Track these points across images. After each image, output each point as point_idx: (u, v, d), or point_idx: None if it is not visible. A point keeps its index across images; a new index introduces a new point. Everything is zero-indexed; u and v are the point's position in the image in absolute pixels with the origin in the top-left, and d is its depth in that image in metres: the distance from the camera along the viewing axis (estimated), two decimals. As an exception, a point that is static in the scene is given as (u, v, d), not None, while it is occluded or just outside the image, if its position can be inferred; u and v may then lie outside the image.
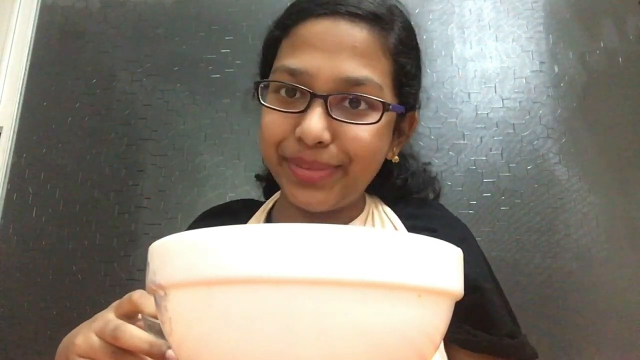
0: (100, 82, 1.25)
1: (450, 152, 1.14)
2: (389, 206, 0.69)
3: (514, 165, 1.12)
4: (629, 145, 1.12)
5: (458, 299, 0.36)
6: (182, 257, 0.31)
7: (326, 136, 0.56)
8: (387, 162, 0.67)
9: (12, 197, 1.19)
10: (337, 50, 0.56)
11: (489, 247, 1.07)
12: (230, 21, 1.26)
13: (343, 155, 0.57)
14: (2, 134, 1.22)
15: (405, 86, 0.62)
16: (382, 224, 0.66)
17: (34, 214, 1.17)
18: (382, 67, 0.58)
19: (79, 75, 1.26)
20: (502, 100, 1.17)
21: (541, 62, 1.18)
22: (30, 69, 1.28)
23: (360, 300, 0.30)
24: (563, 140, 1.13)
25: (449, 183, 1.12)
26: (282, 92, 0.59)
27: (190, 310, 0.32)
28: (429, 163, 0.80)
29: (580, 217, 1.08)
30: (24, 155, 1.22)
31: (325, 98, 0.55)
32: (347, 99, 0.56)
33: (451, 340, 0.60)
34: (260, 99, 0.60)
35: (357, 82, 0.56)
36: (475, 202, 1.10)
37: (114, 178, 1.19)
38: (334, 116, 0.55)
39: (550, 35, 1.20)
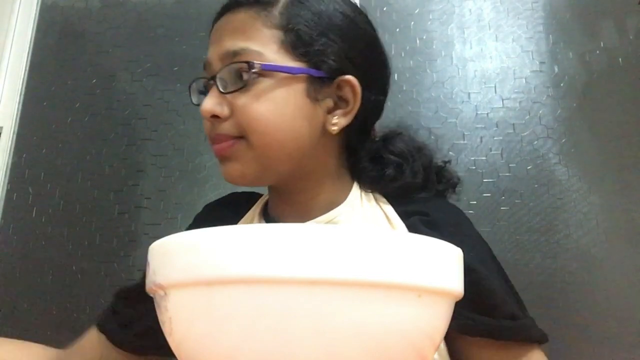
0: (100, 82, 1.26)
1: (450, 152, 1.14)
2: (390, 204, 0.67)
3: (514, 165, 1.12)
4: (629, 145, 1.12)
5: (458, 299, 0.36)
6: (182, 257, 0.31)
7: (219, 110, 0.61)
8: (368, 142, 0.68)
9: (12, 197, 1.19)
10: (220, 35, 0.64)
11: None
12: (230, 21, 1.26)
13: (238, 126, 0.61)
14: (2, 134, 1.22)
15: (307, 47, 0.62)
16: (374, 217, 0.64)
17: (34, 214, 1.17)
18: (265, 38, 0.61)
19: (79, 75, 1.26)
20: (502, 100, 1.17)
21: (541, 62, 1.18)
22: (30, 69, 1.28)
23: (360, 300, 0.30)
24: (563, 140, 1.13)
25: (449, 183, 1.12)
26: (203, 88, 0.67)
27: (190, 310, 0.32)
28: (449, 161, 0.75)
29: (580, 217, 1.08)
30: (24, 155, 1.22)
31: (213, 78, 0.62)
32: (232, 71, 0.61)
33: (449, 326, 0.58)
34: (192, 99, 0.69)
35: (234, 54, 0.61)
36: (475, 202, 1.10)
37: (114, 178, 1.19)
38: (221, 91, 0.61)
39: (550, 35, 1.20)
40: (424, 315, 0.32)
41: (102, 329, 0.70)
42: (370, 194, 0.68)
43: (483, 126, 1.15)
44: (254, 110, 0.60)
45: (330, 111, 0.64)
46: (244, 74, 0.60)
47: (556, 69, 1.18)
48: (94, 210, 1.17)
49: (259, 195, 0.77)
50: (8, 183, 1.20)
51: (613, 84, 1.16)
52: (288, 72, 0.61)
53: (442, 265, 0.33)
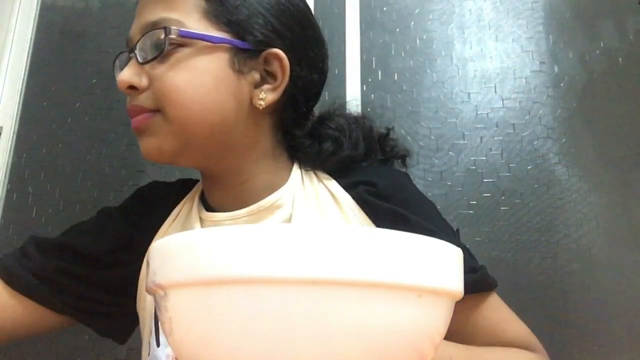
0: (100, 82, 1.25)
1: (450, 152, 1.14)
2: (334, 179, 0.65)
3: (514, 165, 1.12)
4: (629, 145, 1.12)
5: (458, 299, 0.36)
6: (182, 257, 0.31)
7: (137, 80, 0.58)
8: (303, 121, 0.66)
9: (12, 197, 1.19)
10: (142, 8, 0.61)
11: (489, 247, 1.07)
12: (230, 21, 1.26)
13: (155, 98, 0.58)
14: (2, 134, 1.22)
15: (230, 16, 0.60)
16: (317, 197, 0.62)
17: (34, 214, 1.17)
18: (187, 7, 0.59)
19: (79, 75, 1.26)
20: (502, 100, 1.17)
21: (541, 62, 1.19)
22: (30, 69, 1.28)
23: (360, 300, 0.30)
24: (563, 140, 1.13)
25: (449, 183, 1.12)
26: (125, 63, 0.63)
27: (190, 310, 0.32)
28: (392, 128, 0.73)
29: (580, 217, 1.08)
30: (24, 155, 1.22)
31: (132, 50, 0.59)
32: (150, 42, 0.58)
33: None
34: (115, 75, 0.64)
35: (153, 24, 0.58)
36: (475, 202, 1.10)
37: (114, 178, 1.19)
38: (140, 61, 0.58)
39: (550, 35, 1.20)
40: (424, 315, 0.32)
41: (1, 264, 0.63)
42: (312, 172, 0.65)
43: (483, 126, 1.15)
44: (169, 79, 0.57)
45: (257, 85, 0.61)
46: (162, 42, 0.57)
47: (556, 69, 1.18)
48: (94, 210, 1.16)
49: (192, 182, 0.74)
50: (8, 183, 1.20)
51: (613, 84, 1.16)
52: (208, 41, 0.58)
53: (442, 265, 0.33)
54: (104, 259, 0.65)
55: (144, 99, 0.58)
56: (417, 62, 1.21)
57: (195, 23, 0.59)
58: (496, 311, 0.60)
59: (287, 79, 0.61)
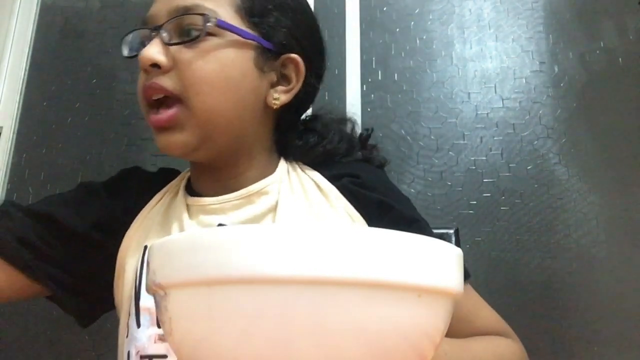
0: (100, 82, 1.26)
1: (450, 152, 1.14)
2: (317, 171, 0.66)
3: (514, 165, 1.12)
4: (629, 145, 1.12)
5: (458, 299, 0.36)
6: (182, 257, 0.31)
7: (161, 58, 0.57)
8: (299, 120, 0.69)
9: (12, 197, 1.19)
10: None
11: (489, 247, 1.07)
12: (230, 21, 1.26)
13: (179, 81, 0.58)
14: (2, 134, 1.22)
15: (260, 17, 0.61)
16: (302, 186, 0.64)
17: (34, 214, 1.17)
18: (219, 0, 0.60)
19: (79, 75, 1.27)
20: (502, 100, 1.17)
21: (541, 62, 1.19)
22: (30, 69, 1.28)
23: (360, 300, 0.29)
24: (563, 140, 1.13)
25: (449, 183, 1.12)
26: (139, 44, 0.62)
27: (190, 310, 0.32)
28: (372, 130, 0.76)
29: (580, 217, 1.08)
30: (24, 155, 1.22)
31: (157, 28, 0.58)
32: (181, 25, 0.58)
33: None
34: (123, 53, 0.64)
35: (186, 8, 0.58)
36: (475, 202, 1.10)
37: (114, 178, 1.19)
38: (166, 42, 0.58)
39: (550, 35, 1.20)
40: (424, 315, 0.32)
41: None
42: (296, 165, 0.67)
43: (483, 126, 1.15)
44: (199, 67, 0.57)
45: (272, 86, 0.63)
46: (193, 29, 0.57)
47: (556, 69, 1.18)
48: (94, 210, 1.17)
49: (174, 172, 0.75)
50: (8, 183, 1.20)
51: (613, 84, 1.16)
52: (240, 35, 0.59)
53: (442, 265, 0.33)
54: (82, 235, 0.63)
55: (166, 80, 0.58)
56: (417, 62, 1.21)
57: (228, 16, 0.59)
58: (469, 299, 0.61)
59: (300, 83, 0.64)
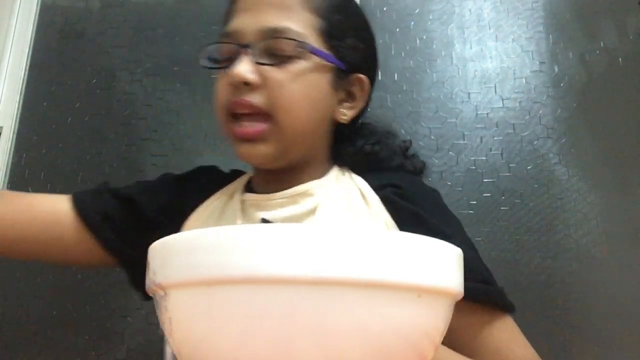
0: (100, 82, 1.26)
1: (450, 152, 1.14)
2: (365, 179, 0.69)
3: (514, 165, 1.12)
4: (629, 145, 1.12)
5: (458, 299, 0.36)
6: (182, 257, 0.31)
7: (251, 77, 0.61)
8: (352, 130, 0.72)
9: (12, 197, 1.19)
10: (258, 6, 0.64)
11: (489, 247, 1.07)
12: (230, 21, 1.26)
13: (270, 101, 0.61)
14: (2, 134, 1.22)
15: (339, 40, 0.66)
16: (347, 193, 0.67)
17: (34, 214, 1.17)
18: (305, 21, 0.64)
19: (79, 75, 1.26)
20: (502, 100, 1.17)
21: (541, 62, 1.18)
22: (30, 69, 1.28)
23: (360, 300, 0.30)
24: (563, 140, 1.13)
25: (449, 183, 1.12)
26: (218, 56, 0.66)
27: (190, 310, 0.32)
28: (408, 141, 0.80)
29: (580, 217, 1.08)
30: (24, 155, 1.22)
31: (248, 45, 0.62)
32: (271, 47, 0.62)
33: None
34: (201, 64, 0.68)
35: (276, 31, 0.62)
36: (475, 202, 1.10)
37: (114, 178, 1.18)
38: (258, 62, 0.61)
39: (550, 35, 1.20)
40: (424, 315, 0.32)
41: (76, 197, 0.71)
42: (346, 171, 0.71)
43: (483, 126, 1.15)
44: (290, 88, 0.61)
45: (340, 102, 0.68)
46: (285, 51, 0.61)
47: (556, 69, 1.18)
48: (94, 210, 1.17)
49: (239, 173, 0.79)
50: (8, 183, 1.20)
51: (613, 84, 1.16)
52: (326, 60, 0.64)
53: (442, 265, 0.33)
54: (150, 217, 0.71)
55: (255, 97, 0.61)
56: (417, 62, 1.21)
57: (312, 39, 0.64)
58: (507, 332, 0.61)
59: (364, 101, 0.70)
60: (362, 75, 0.69)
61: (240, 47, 0.62)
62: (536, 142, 1.13)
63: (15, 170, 1.21)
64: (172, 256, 0.32)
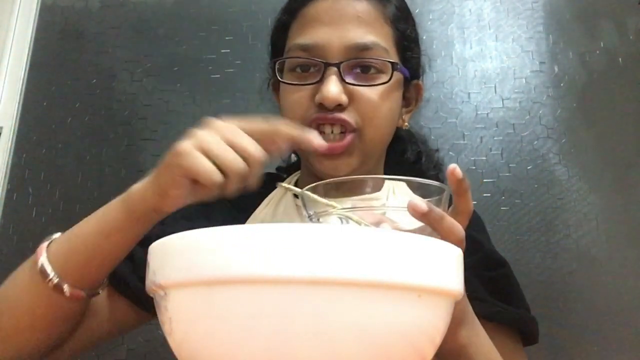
0: (100, 82, 1.25)
1: (450, 152, 1.14)
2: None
3: (514, 165, 1.12)
4: (629, 145, 1.12)
5: (458, 299, 0.36)
6: (182, 257, 0.31)
7: (343, 98, 0.61)
8: (400, 139, 0.75)
9: (12, 197, 1.19)
10: (342, 21, 0.62)
11: (489, 247, 1.07)
12: (230, 21, 1.26)
13: (359, 117, 0.62)
14: (2, 134, 1.22)
15: (408, 51, 0.68)
16: (403, 202, 0.68)
17: (34, 214, 1.17)
18: (385, 33, 0.64)
19: (79, 75, 1.26)
20: (502, 100, 1.17)
21: (541, 62, 1.18)
22: (30, 69, 1.28)
23: (360, 300, 0.30)
24: (563, 140, 1.13)
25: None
26: (298, 69, 0.64)
27: (190, 310, 0.32)
28: (438, 150, 0.84)
29: (580, 217, 1.08)
30: (24, 155, 1.22)
31: (337, 65, 0.61)
32: (357, 64, 0.62)
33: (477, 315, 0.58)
34: (278, 77, 0.65)
35: (365, 47, 0.62)
36: (475, 202, 1.09)
37: (114, 178, 1.18)
38: (347, 81, 0.61)
39: (550, 35, 1.20)
40: (424, 315, 0.32)
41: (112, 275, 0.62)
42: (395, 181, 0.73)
43: (483, 126, 1.15)
44: (377, 106, 0.62)
45: (402, 109, 0.70)
46: (372, 69, 0.62)
47: (556, 69, 1.18)
48: (94, 211, 1.17)
49: (280, 177, 0.79)
50: (8, 183, 1.20)
51: (613, 84, 1.16)
52: (405, 76, 0.66)
53: (442, 265, 0.33)
54: None
55: (347, 115, 0.62)
56: (417, 62, 1.21)
57: (392, 52, 0.65)
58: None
59: (417, 106, 0.72)
60: (420, 82, 0.71)
61: (329, 65, 0.61)
62: (536, 142, 1.13)
63: (15, 170, 1.21)
64: (172, 256, 0.32)
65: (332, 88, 0.59)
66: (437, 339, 0.35)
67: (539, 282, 1.05)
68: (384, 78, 0.62)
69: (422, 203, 0.44)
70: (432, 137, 1.15)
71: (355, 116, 0.62)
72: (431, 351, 0.34)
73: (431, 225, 0.45)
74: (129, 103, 1.24)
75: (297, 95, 0.63)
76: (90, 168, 1.20)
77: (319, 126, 0.63)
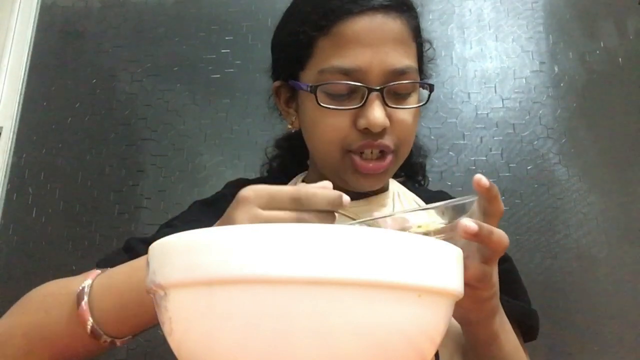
0: (100, 82, 1.25)
1: (450, 152, 1.14)
2: (407, 188, 0.76)
3: (514, 165, 1.12)
4: (629, 145, 1.12)
5: (458, 299, 0.36)
6: (182, 257, 0.31)
7: (388, 124, 0.62)
8: None
9: (12, 197, 1.19)
10: (382, 43, 0.62)
11: (489, 247, 1.07)
12: (230, 21, 1.26)
13: (397, 140, 0.64)
14: (2, 134, 1.22)
15: (423, 62, 0.71)
16: (410, 203, 0.71)
17: (34, 214, 1.17)
18: (414, 52, 0.66)
19: (79, 75, 1.26)
20: (502, 100, 1.17)
21: (541, 62, 1.18)
22: (30, 69, 1.28)
23: (360, 300, 0.30)
24: (563, 140, 1.13)
25: (449, 183, 1.12)
26: (333, 91, 0.64)
27: (190, 310, 0.32)
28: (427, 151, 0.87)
29: (580, 217, 1.08)
30: (24, 155, 1.22)
31: (381, 91, 0.61)
32: (396, 89, 0.63)
33: None
34: (319, 101, 0.63)
35: (402, 72, 0.63)
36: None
37: (114, 178, 1.18)
38: (389, 105, 0.62)
39: (550, 35, 1.20)
40: (424, 315, 0.32)
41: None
42: (397, 184, 0.75)
43: (483, 126, 1.15)
44: (411, 126, 0.65)
45: None
46: (407, 90, 0.64)
47: (556, 69, 1.18)
48: (94, 210, 1.17)
49: (283, 180, 0.79)
50: (8, 183, 1.20)
51: (613, 84, 1.16)
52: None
53: (442, 265, 0.33)
54: None
55: (388, 139, 0.63)
56: (417, 62, 1.21)
57: (419, 71, 0.68)
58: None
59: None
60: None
61: (372, 91, 0.61)
62: (536, 142, 1.13)
63: (15, 170, 1.21)
64: (172, 256, 0.32)
65: (379, 114, 0.61)
66: (437, 339, 0.35)
67: (539, 282, 1.05)
68: (415, 97, 0.65)
69: (471, 223, 0.44)
70: (432, 137, 1.15)
71: (394, 139, 0.63)
72: (431, 351, 0.34)
73: (482, 242, 0.46)
74: (129, 103, 1.24)
75: (337, 119, 0.63)
76: (90, 168, 1.20)
77: (360, 147, 0.63)
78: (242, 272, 0.29)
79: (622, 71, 1.16)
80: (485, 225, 0.46)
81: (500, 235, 0.48)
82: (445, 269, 0.33)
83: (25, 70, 1.27)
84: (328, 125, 0.63)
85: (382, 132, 0.62)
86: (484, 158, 1.13)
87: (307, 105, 0.66)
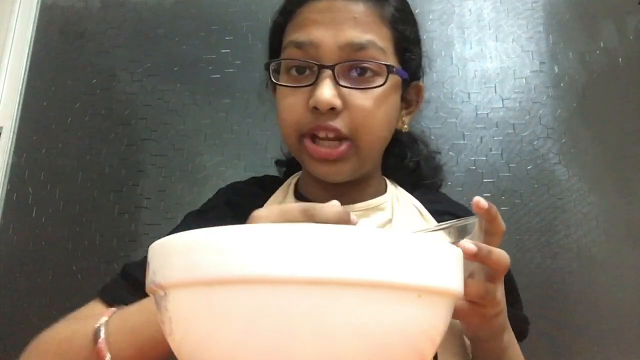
0: (100, 82, 1.25)
1: (450, 152, 1.14)
2: (408, 192, 0.73)
3: (514, 165, 1.12)
4: (629, 146, 1.12)
5: (458, 299, 0.36)
6: (182, 257, 0.31)
7: (337, 102, 0.59)
8: (400, 143, 0.73)
9: (12, 197, 1.19)
10: (338, 22, 0.60)
11: (489, 247, 1.07)
12: (230, 21, 1.26)
13: (352, 125, 0.60)
14: (2, 134, 1.22)
15: (407, 52, 0.65)
16: (407, 207, 0.69)
17: (34, 214, 1.17)
18: (383, 34, 0.62)
19: (79, 75, 1.26)
20: (502, 100, 1.17)
21: (541, 62, 1.18)
22: (30, 69, 1.28)
23: (360, 300, 0.29)
24: (563, 140, 1.13)
25: (449, 183, 1.11)
26: (293, 70, 0.62)
27: (190, 310, 0.32)
28: (439, 152, 0.83)
29: (580, 217, 1.08)
30: (24, 155, 1.22)
31: (332, 68, 0.59)
32: (353, 67, 0.60)
33: None
34: (273, 79, 0.64)
35: (360, 47, 0.59)
36: (475, 202, 1.10)
37: (114, 178, 1.19)
38: (341, 84, 0.59)
39: (550, 35, 1.20)
40: (424, 315, 0.32)
41: (111, 298, 0.61)
42: (396, 186, 0.73)
43: (483, 126, 1.15)
44: (372, 112, 0.60)
45: (401, 111, 0.68)
46: (368, 72, 0.60)
47: (556, 69, 1.18)
48: (94, 210, 1.17)
49: (277, 178, 0.78)
50: (8, 183, 1.20)
51: (613, 84, 1.16)
52: (402, 77, 0.63)
53: (442, 265, 0.33)
54: None
55: (339, 122, 0.59)
56: (417, 62, 1.21)
57: (391, 56, 0.63)
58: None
59: (418, 107, 0.70)
60: (420, 83, 0.70)
61: (323, 67, 0.59)
62: (536, 142, 1.13)
63: (15, 170, 1.21)
64: (172, 256, 0.32)
65: (326, 91, 0.58)
66: (437, 339, 0.35)
67: (539, 282, 1.05)
68: (380, 81, 0.60)
69: (470, 245, 0.45)
70: (432, 137, 1.15)
71: (348, 124, 0.60)
72: (431, 351, 0.34)
73: (482, 262, 0.46)
74: (129, 103, 1.24)
75: (292, 99, 0.62)
76: (90, 168, 1.20)
77: (313, 134, 0.61)
78: (242, 272, 0.29)
79: (622, 71, 1.16)
80: (484, 245, 0.46)
81: (500, 254, 0.47)
82: (445, 269, 0.33)
83: (25, 70, 1.28)
84: (285, 105, 0.62)
85: (334, 115, 0.59)
86: (484, 158, 1.13)
87: (276, 90, 0.66)
